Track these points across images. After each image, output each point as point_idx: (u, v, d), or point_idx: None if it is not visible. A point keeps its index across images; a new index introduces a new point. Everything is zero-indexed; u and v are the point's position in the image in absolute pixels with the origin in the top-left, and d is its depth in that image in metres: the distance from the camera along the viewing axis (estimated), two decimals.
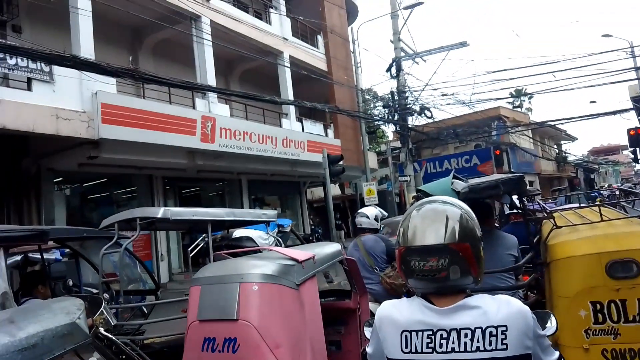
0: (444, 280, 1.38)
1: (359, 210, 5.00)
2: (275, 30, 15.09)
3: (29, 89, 8.29)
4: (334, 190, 21.62)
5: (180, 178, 13.42)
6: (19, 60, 7.91)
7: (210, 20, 12.29)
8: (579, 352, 2.61)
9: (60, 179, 10.94)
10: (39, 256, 4.59)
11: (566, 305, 2.67)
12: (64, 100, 8.64)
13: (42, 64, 8.27)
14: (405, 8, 17.34)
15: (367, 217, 4.76)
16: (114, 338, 2.58)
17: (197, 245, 10.97)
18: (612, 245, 2.66)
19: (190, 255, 11.13)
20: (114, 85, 9.56)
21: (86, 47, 9.09)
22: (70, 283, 5.49)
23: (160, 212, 3.54)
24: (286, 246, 5.32)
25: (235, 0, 14.45)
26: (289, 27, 15.84)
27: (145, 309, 4.82)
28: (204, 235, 9.34)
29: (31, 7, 9.94)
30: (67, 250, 5.60)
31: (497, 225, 3.87)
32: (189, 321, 2.65)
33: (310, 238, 14.39)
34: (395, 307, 1.48)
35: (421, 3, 16.76)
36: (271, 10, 15.45)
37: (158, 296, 5.00)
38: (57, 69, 8.39)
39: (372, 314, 4.02)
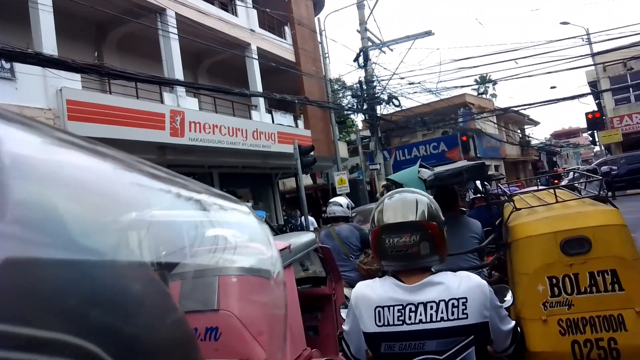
0: (415, 256, 1.57)
1: (332, 200, 5.13)
2: (242, 22, 14.99)
3: None
4: (306, 180, 21.76)
5: None
6: None
7: (176, 13, 12.12)
8: (538, 324, 2.83)
9: None
10: None
11: (526, 282, 2.89)
12: (28, 98, 8.44)
13: (3, 61, 8.05)
14: None
15: (341, 206, 4.89)
16: None
17: None
18: (566, 224, 2.88)
19: None
20: (79, 82, 9.38)
21: (48, 43, 8.87)
22: None
23: None
24: None
25: None
26: (256, 18, 15.76)
27: None
28: None
29: None
30: None
31: (462, 210, 4.08)
32: None
33: (284, 229, 14.49)
34: (369, 287, 1.67)
35: None
36: (237, 2, 15.32)
37: None
38: (19, 66, 8.16)
39: (348, 299, 4.20)
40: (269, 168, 17.02)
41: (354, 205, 5.47)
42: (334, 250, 4.37)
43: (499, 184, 4.43)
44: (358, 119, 29.96)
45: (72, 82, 8.99)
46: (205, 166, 14.30)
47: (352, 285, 4.38)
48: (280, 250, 3.09)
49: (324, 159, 17.63)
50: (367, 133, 22.30)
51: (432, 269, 1.63)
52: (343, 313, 2.28)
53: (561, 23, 23.69)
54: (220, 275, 2.75)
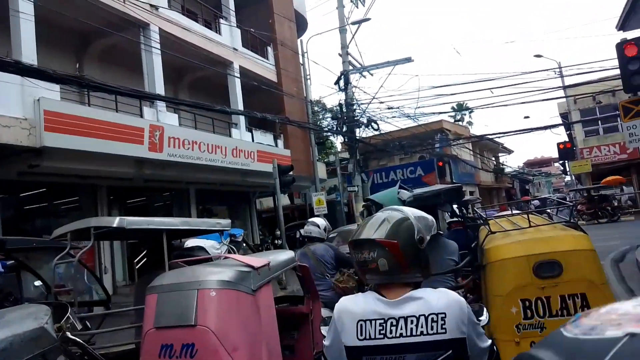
0: (378, 271, 1.62)
1: (310, 219, 5.19)
2: (226, 41, 15.09)
3: None
4: (284, 200, 21.70)
5: (125, 188, 13.06)
6: None
7: (159, 28, 12.14)
8: (511, 345, 2.89)
9: None
10: None
11: (500, 303, 2.96)
12: (4, 107, 8.26)
13: None
14: (353, 23, 17.91)
15: (318, 227, 4.95)
16: (82, 342, 2.59)
17: (143, 257, 10.72)
18: (539, 248, 2.97)
19: (136, 267, 10.86)
20: (57, 92, 9.25)
21: (28, 51, 8.76)
22: (11, 297, 5.27)
23: (115, 221, 3.54)
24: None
25: (185, 10, 14.34)
26: (239, 37, 15.90)
27: (87, 322, 4.72)
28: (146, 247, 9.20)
29: None
30: (9, 262, 5.38)
31: (440, 232, 4.16)
32: (144, 329, 2.68)
33: (260, 248, 14.38)
34: (352, 301, 1.71)
35: (368, 19, 17.37)
36: (221, 20, 15.45)
37: (109, 307, 4.92)
38: None
39: (323, 319, 4.20)
40: (247, 186, 16.96)
41: (331, 227, 5.52)
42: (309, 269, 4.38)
43: (475, 208, 4.55)
44: (337, 140, 30.25)
45: (50, 92, 8.86)
46: (182, 182, 14.17)
47: (326, 305, 4.43)
48: (260, 267, 3.09)
49: (302, 179, 17.68)
50: (346, 155, 22.49)
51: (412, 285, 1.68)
52: (323, 330, 2.29)
53: (535, 56, 24.59)
54: (200, 289, 2.73)
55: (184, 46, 12.96)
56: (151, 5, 11.80)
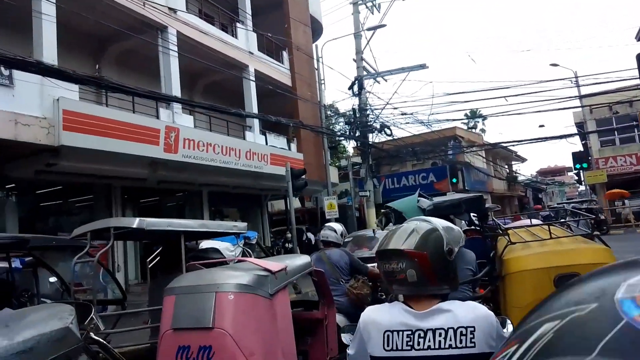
0: (406, 282, 1.61)
1: (327, 224, 5.15)
2: (242, 44, 15.20)
3: None
4: (294, 203, 21.71)
5: (139, 188, 13.19)
6: None
7: (177, 31, 12.28)
8: None
9: (13, 185, 10.54)
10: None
11: (519, 315, 2.91)
12: (24, 106, 8.40)
13: (2, 68, 8.05)
14: (368, 29, 17.96)
15: (335, 232, 4.91)
16: (105, 342, 2.62)
17: (156, 256, 10.77)
18: (560, 261, 2.94)
19: (149, 266, 10.91)
20: (76, 92, 9.38)
21: (49, 52, 8.91)
22: (27, 294, 5.34)
23: (135, 222, 3.58)
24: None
25: (202, 13, 14.48)
26: (255, 41, 16.01)
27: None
28: (161, 247, 9.27)
29: None
30: (27, 259, 5.45)
31: None
32: (162, 330, 2.68)
33: (272, 251, 14.40)
34: (378, 311, 1.70)
35: (383, 26, 17.39)
36: (238, 24, 15.57)
37: (125, 306, 4.97)
38: (17, 74, 8.16)
39: (338, 326, 4.18)
40: (259, 189, 17.02)
41: (347, 233, 5.50)
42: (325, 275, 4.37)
43: (494, 217, 4.52)
44: (350, 145, 30.25)
45: (69, 92, 8.99)
46: (195, 184, 14.26)
47: (340, 310, 4.41)
48: (277, 271, 3.09)
49: (314, 182, 17.70)
50: (358, 159, 22.47)
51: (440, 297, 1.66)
52: (344, 338, 2.28)
53: (551, 65, 24.39)
54: (218, 292, 2.74)
55: (201, 49, 13.08)
56: (170, 9, 11.94)
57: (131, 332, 4.44)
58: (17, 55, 6.98)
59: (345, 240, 8.19)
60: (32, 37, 9.07)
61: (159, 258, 10.55)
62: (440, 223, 1.76)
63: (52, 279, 5.87)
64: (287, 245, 18.35)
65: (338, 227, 5.04)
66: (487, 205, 6.36)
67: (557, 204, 22.97)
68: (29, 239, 3.45)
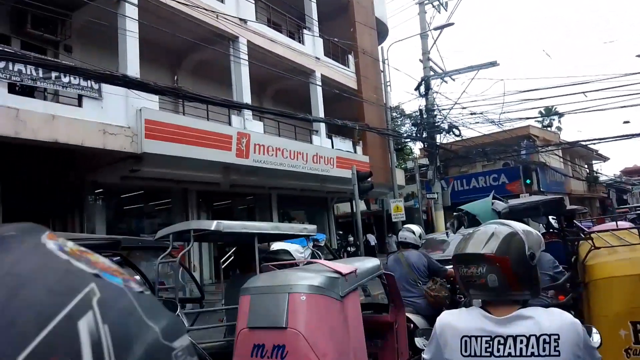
0: (486, 287, 1.58)
1: (406, 225, 5.18)
2: (308, 50, 15.47)
3: (80, 105, 8.78)
4: (360, 206, 21.70)
5: (213, 192, 13.80)
6: (71, 78, 8.43)
7: (247, 40, 12.74)
8: None
9: (101, 190, 11.42)
10: None
11: (606, 325, 2.76)
12: (111, 117, 9.10)
13: (92, 82, 8.77)
14: (435, 29, 17.58)
15: (413, 233, 4.91)
16: (191, 340, 2.78)
17: (229, 257, 11.22)
18: None
19: (222, 267, 11.40)
20: (156, 103, 10.01)
21: (132, 66, 9.58)
22: None
23: (213, 224, 3.78)
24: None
25: (271, 22, 14.91)
26: (322, 47, 16.23)
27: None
28: (235, 248, 9.64)
29: (82, 28, 10.55)
30: (115, 259, 5.90)
31: None
32: (238, 328, 2.79)
33: (338, 254, 14.50)
34: (455, 316, 1.68)
35: (451, 24, 16.97)
36: (304, 31, 15.86)
37: (203, 304, 5.23)
38: (104, 87, 8.86)
39: (415, 326, 4.15)
40: (326, 192, 17.20)
41: (425, 235, 5.48)
42: (401, 276, 4.40)
43: (576, 221, 4.28)
44: (416, 147, 29.75)
45: (150, 102, 9.62)
46: (265, 187, 14.68)
47: (418, 312, 4.39)
48: (348, 274, 3.13)
49: (380, 185, 17.60)
50: (425, 161, 22.05)
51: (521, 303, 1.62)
52: (418, 342, 2.28)
53: (637, 56, 22.59)
54: (290, 293, 2.83)
55: (270, 57, 13.48)
56: (240, 19, 12.41)
57: (207, 329, 4.67)
58: (106, 70, 7.57)
59: None
60: (117, 52, 9.80)
61: (232, 259, 10.99)
62: (519, 226, 1.71)
63: (137, 278, 6.30)
64: (349, 248, 18.35)
65: (417, 228, 5.03)
66: (573, 207, 6.05)
67: None
68: (120, 240, 3.75)
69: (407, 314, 4.26)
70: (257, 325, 2.79)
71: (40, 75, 7.87)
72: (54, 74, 8.03)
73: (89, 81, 8.61)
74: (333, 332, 2.87)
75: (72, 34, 10.54)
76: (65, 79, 8.36)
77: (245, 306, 2.92)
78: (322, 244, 9.19)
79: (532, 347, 1.48)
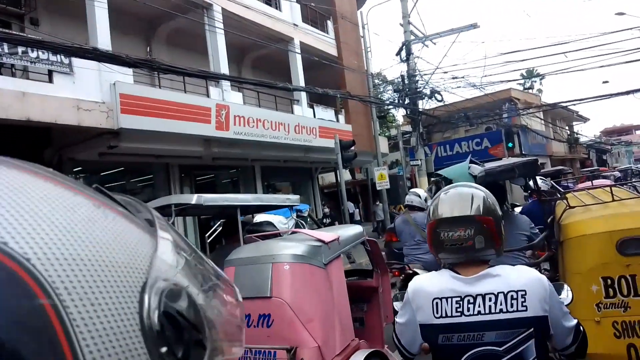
0: (470, 249, 1.60)
1: (411, 190, 5.75)
2: (286, 17, 15.12)
3: (50, 80, 8.49)
4: (345, 175, 21.77)
5: (195, 166, 13.65)
6: (39, 52, 8.11)
7: (222, 8, 12.36)
8: (591, 324, 2.77)
9: (80, 168, 11.21)
10: None
11: (579, 281, 2.84)
12: (84, 92, 8.84)
13: (62, 56, 8.46)
14: None
15: (419, 197, 5.37)
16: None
17: (214, 230, 11.19)
18: (623, 224, 2.80)
19: (207, 241, 11.38)
20: (130, 76, 9.75)
21: (103, 38, 9.26)
22: None
23: (194, 198, 3.76)
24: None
25: None
26: (299, 13, 15.85)
27: None
28: (220, 221, 9.62)
29: (48, 0, 10.12)
30: None
31: (515, 204, 4.03)
32: None
33: (324, 222, 14.59)
34: (426, 280, 1.72)
35: None
36: None
37: None
38: (75, 61, 8.56)
39: (395, 295, 4.28)
40: (310, 162, 17.16)
41: (431, 198, 5.94)
42: (410, 235, 4.89)
43: (553, 181, 4.36)
44: (399, 113, 29.68)
45: (124, 76, 9.36)
46: (248, 159, 14.58)
47: (426, 268, 4.63)
48: (330, 242, 3.17)
49: (364, 154, 17.61)
50: (408, 128, 22.07)
51: (489, 262, 1.66)
52: (396, 305, 2.32)
53: (616, 14, 22.59)
54: (274, 263, 2.86)
55: (246, 24, 13.12)
56: None
57: None
58: (75, 43, 7.31)
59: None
60: (87, 24, 9.45)
61: (217, 232, 10.98)
62: (482, 188, 1.75)
63: None
64: (325, 220, 17.80)
65: (422, 192, 5.48)
66: (558, 168, 6.20)
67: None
68: None
69: (416, 269, 4.61)
70: (242, 295, 2.82)
71: (6, 50, 7.56)
72: (20, 49, 7.72)
73: (58, 55, 8.31)
74: (318, 299, 2.92)
75: (38, 6, 10.09)
76: (33, 54, 8.05)
77: (230, 277, 2.94)
78: (306, 214, 9.25)
79: (501, 304, 1.52)
